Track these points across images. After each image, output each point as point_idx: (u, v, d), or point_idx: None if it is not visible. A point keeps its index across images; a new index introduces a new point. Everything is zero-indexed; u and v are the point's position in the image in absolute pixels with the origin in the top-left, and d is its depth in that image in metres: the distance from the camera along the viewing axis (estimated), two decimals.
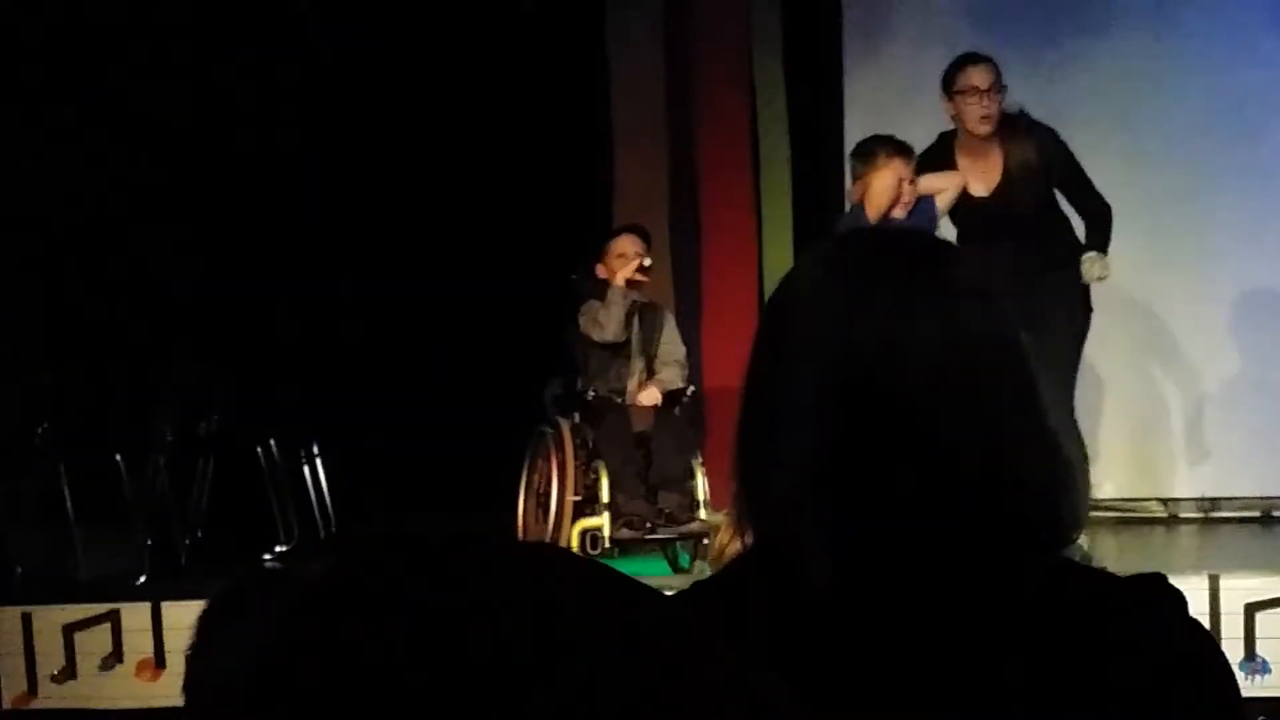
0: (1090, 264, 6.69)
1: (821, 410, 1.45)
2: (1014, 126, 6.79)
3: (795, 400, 1.46)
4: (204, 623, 1.93)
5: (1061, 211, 6.90)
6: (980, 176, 6.85)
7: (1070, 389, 6.29)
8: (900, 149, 6.70)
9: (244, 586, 1.94)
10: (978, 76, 6.74)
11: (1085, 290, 6.81)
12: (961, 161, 6.87)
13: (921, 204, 6.72)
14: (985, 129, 6.75)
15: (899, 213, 6.67)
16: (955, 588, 1.43)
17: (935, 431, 1.44)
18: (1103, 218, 6.81)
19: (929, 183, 6.76)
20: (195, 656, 1.91)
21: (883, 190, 6.63)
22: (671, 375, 7.28)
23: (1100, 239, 6.78)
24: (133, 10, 8.10)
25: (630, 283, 7.18)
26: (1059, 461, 1.48)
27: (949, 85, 6.82)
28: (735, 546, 1.56)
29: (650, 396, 7.14)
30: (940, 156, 6.86)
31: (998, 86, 6.74)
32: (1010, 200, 6.76)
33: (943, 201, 6.78)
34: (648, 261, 7.21)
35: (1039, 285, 6.25)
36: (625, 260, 7.20)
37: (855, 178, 6.75)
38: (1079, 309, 6.78)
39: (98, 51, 8.04)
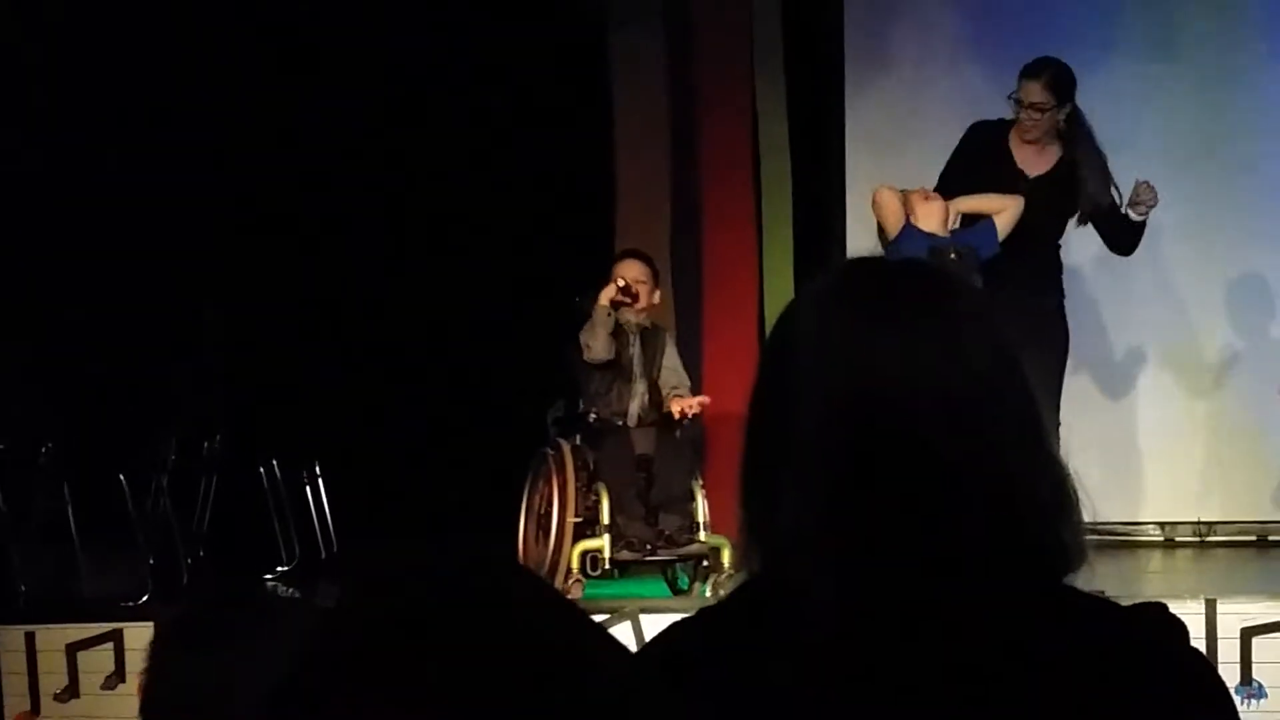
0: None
1: (829, 443, 1.46)
2: (1076, 134, 6.94)
3: (803, 433, 1.47)
4: (159, 647, 1.95)
5: (1059, 253, 7.04)
6: (1033, 162, 6.98)
7: (1055, 416, 6.32)
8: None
9: (198, 614, 1.97)
10: (1025, 91, 6.87)
11: (1065, 323, 6.91)
12: (1016, 146, 6.97)
13: (983, 223, 6.82)
14: (1025, 136, 6.91)
15: (934, 228, 6.76)
16: (962, 618, 1.44)
17: (943, 464, 1.45)
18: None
19: (988, 203, 6.86)
20: (152, 680, 1.93)
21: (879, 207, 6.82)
22: (686, 393, 7.31)
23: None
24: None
25: (616, 304, 7.20)
26: (1064, 491, 1.50)
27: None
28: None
29: (684, 405, 7.14)
30: (993, 137, 6.96)
31: (1043, 107, 6.85)
32: (1057, 190, 6.92)
33: (1002, 222, 6.85)
34: (621, 282, 7.21)
35: (1023, 311, 6.30)
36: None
37: None
38: (1061, 338, 6.89)
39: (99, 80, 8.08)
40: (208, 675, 1.85)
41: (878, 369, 1.47)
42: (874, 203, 6.89)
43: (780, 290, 8.39)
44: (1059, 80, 6.88)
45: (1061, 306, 7.01)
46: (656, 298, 7.41)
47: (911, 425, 1.46)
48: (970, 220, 6.92)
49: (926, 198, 6.83)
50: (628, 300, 7.20)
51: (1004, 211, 6.86)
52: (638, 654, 1.57)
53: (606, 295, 7.19)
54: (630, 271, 7.28)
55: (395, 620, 1.00)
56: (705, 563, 6.98)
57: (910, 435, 1.45)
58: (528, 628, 1.00)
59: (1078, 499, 1.50)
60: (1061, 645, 1.43)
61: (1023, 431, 1.49)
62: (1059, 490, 1.49)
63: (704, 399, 7.22)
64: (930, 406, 1.46)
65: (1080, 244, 7.85)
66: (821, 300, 1.55)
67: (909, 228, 6.77)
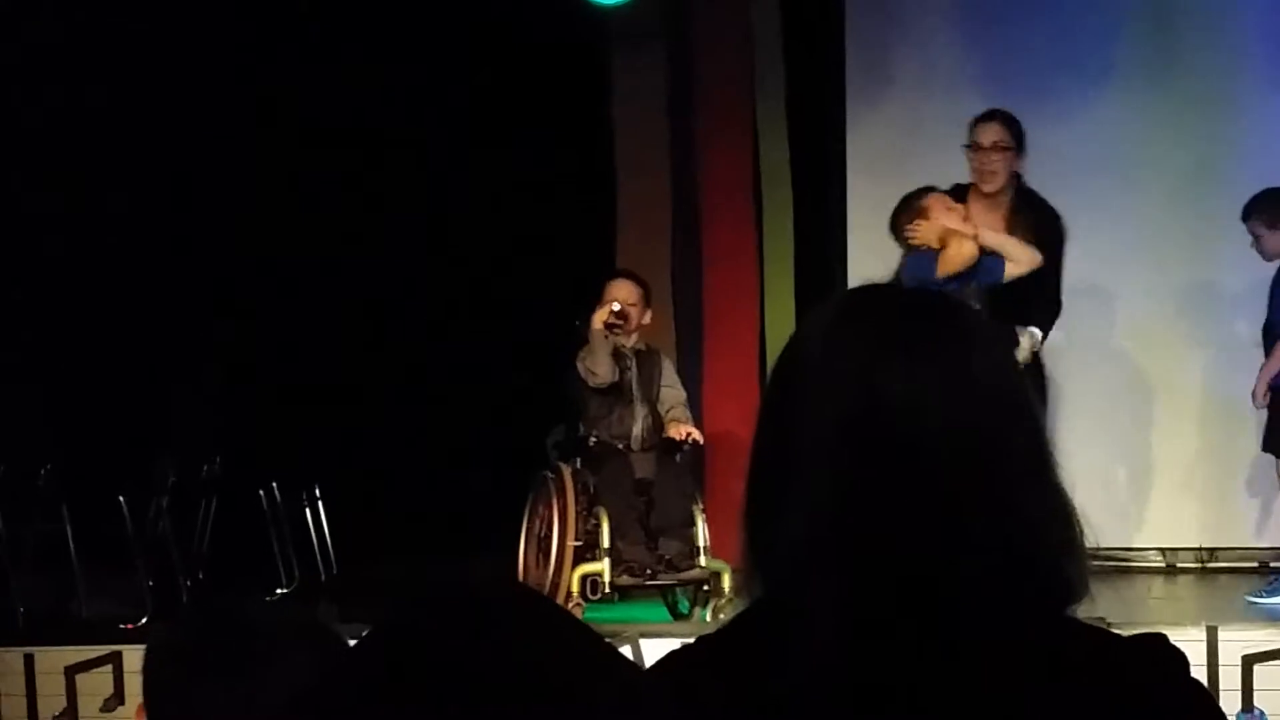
0: (1026, 336, 6.67)
1: (834, 468, 1.46)
2: (1029, 198, 6.84)
3: (808, 453, 1.47)
4: (158, 670, 1.93)
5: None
6: (987, 221, 6.86)
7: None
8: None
9: (189, 632, 1.95)
10: (981, 133, 6.79)
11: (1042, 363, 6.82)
12: (973, 209, 6.84)
13: (991, 262, 6.70)
14: (986, 186, 6.79)
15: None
16: (962, 645, 1.44)
17: (948, 487, 1.44)
18: (1052, 314, 6.84)
19: (1009, 249, 6.71)
20: (154, 704, 1.91)
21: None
22: (684, 415, 7.31)
23: (1045, 323, 6.79)
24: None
25: (611, 326, 7.19)
26: (1069, 523, 1.49)
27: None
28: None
29: (683, 430, 7.17)
30: (956, 199, 6.89)
31: (1003, 146, 6.77)
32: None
33: (1010, 270, 6.69)
34: (616, 306, 7.20)
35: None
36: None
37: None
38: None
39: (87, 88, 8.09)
40: (212, 701, 1.84)
41: (884, 395, 1.46)
42: (937, 206, 6.71)
43: (781, 314, 8.39)
44: (1013, 122, 6.83)
45: None
46: (648, 318, 7.38)
47: (917, 452, 1.45)
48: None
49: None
50: (620, 323, 7.20)
51: (1018, 264, 6.72)
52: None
53: (600, 319, 7.18)
54: (621, 292, 7.26)
55: (398, 647, 0.99)
56: (705, 587, 6.97)
57: (915, 462, 1.45)
58: (532, 649, 0.99)
59: (1082, 532, 1.50)
60: (1062, 677, 1.42)
61: (1029, 462, 1.48)
62: (1064, 522, 1.49)
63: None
64: (936, 435, 1.45)
65: (1077, 275, 7.86)
66: (830, 326, 1.54)
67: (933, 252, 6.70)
